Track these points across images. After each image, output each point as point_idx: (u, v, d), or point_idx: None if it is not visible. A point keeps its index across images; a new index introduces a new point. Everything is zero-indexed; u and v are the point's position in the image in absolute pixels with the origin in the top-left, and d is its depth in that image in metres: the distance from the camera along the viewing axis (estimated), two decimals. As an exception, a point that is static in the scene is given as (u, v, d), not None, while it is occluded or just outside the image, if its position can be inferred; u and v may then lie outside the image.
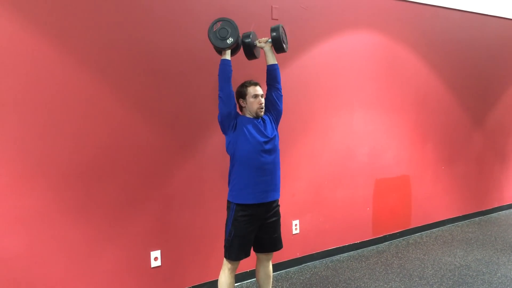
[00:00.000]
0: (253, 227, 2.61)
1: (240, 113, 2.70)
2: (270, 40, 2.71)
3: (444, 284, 3.42)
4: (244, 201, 2.57)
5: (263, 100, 2.66)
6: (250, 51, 2.76)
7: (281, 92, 2.76)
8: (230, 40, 2.49)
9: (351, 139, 4.21)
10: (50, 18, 2.72)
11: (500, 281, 3.45)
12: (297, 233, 3.87)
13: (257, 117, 2.66)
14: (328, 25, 4.00)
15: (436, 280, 3.50)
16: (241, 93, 2.67)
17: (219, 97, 2.56)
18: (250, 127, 2.59)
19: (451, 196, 5.18)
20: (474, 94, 5.33)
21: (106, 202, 2.94)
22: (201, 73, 3.30)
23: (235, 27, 2.51)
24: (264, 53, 2.76)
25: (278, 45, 2.68)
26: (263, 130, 2.61)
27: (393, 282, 3.48)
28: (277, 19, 3.64)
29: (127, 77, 3.01)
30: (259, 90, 2.66)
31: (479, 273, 3.62)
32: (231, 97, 2.55)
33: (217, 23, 2.45)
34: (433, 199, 4.97)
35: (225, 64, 2.55)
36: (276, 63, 2.74)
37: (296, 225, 3.86)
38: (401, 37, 4.54)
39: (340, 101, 4.11)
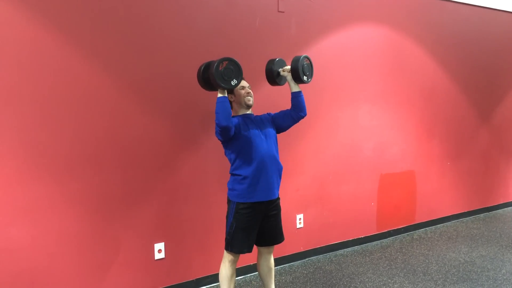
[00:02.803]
0: (255, 220, 2.61)
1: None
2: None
3: (448, 280, 3.41)
4: (245, 200, 2.58)
5: (250, 91, 2.72)
6: (273, 78, 2.82)
7: (299, 119, 2.79)
8: (234, 82, 2.49)
9: (357, 134, 4.19)
10: (51, 7, 2.71)
11: (505, 277, 3.43)
12: (301, 227, 3.86)
13: (247, 107, 2.69)
14: (335, 18, 3.96)
15: (440, 276, 3.48)
16: (230, 90, 2.70)
17: (219, 128, 2.51)
18: (246, 127, 2.60)
19: (456, 192, 5.15)
20: (481, 89, 5.28)
21: (110, 194, 2.94)
22: (206, 65, 3.28)
23: (240, 68, 2.52)
24: (288, 80, 2.80)
25: (295, 76, 2.72)
26: (259, 128, 2.65)
27: (397, 277, 3.47)
28: (283, 11, 3.62)
29: (131, 69, 2.99)
30: (245, 83, 2.73)
31: (484, 270, 3.60)
32: (231, 128, 2.52)
33: (223, 62, 2.44)
34: (438, 195, 4.95)
35: (225, 101, 2.50)
36: (298, 90, 2.76)
37: (300, 219, 3.85)
38: (408, 31, 4.49)
39: (346, 95, 4.08)
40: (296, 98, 2.75)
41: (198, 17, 3.23)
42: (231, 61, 2.46)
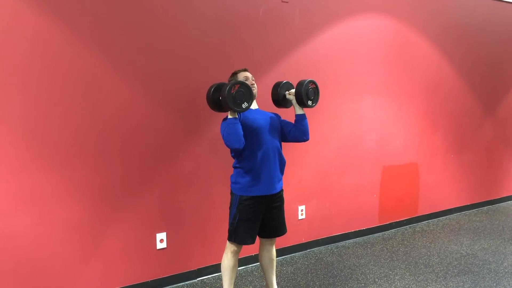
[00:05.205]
0: (258, 212, 2.61)
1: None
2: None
3: (449, 272, 3.41)
4: (247, 194, 2.58)
5: (254, 82, 2.71)
6: (278, 101, 2.83)
7: (300, 141, 2.78)
8: (245, 105, 2.49)
9: (360, 126, 4.17)
10: (57, -3, 2.70)
11: (506, 270, 3.42)
12: (303, 219, 3.87)
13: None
14: (339, 8, 3.92)
15: (442, 268, 3.48)
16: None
17: (229, 148, 2.54)
18: (251, 121, 2.59)
19: (459, 184, 5.13)
20: (486, 81, 5.23)
21: (112, 183, 2.94)
22: (212, 56, 3.26)
23: (251, 91, 2.52)
24: (293, 104, 2.79)
25: (299, 100, 2.72)
26: (265, 121, 2.63)
27: (398, 269, 3.47)
28: (287, 2, 3.58)
29: (134, 58, 2.98)
30: (248, 74, 2.73)
31: (486, 262, 3.60)
32: (242, 148, 2.52)
33: (235, 86, 2.45)
34: (441, 188, 4.93)
35: (236, 124, 2.48)
36: (301, 113, 2.74)
37: (302, 210, 3.85)
38: (412, 21, 4.44)
39: (349, 86, 4.06)
40: (299, 121, 2.74)
41: (202, 8, 3.20)
42: (243, 85, 2.47)
